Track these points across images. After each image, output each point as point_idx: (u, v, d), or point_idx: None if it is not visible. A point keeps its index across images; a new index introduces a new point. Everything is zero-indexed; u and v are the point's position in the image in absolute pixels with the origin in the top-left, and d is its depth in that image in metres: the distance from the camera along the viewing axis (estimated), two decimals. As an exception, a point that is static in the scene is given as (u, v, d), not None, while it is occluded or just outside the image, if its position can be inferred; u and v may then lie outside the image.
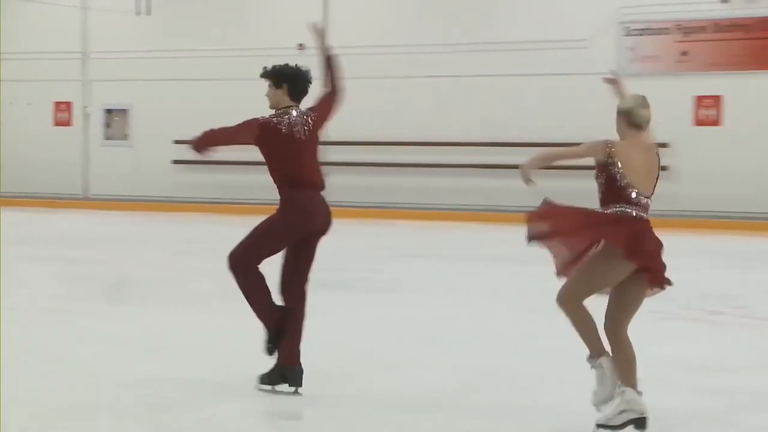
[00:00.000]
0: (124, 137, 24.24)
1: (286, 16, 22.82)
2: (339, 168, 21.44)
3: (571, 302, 6.31)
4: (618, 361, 6.25)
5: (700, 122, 19.65)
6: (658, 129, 23.46)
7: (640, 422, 6.13)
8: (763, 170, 19.26)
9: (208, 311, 10.64)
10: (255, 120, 7.07)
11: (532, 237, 6.40)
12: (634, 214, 6.30)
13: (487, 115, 20.80)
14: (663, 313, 10.50)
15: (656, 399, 7.03)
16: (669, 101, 19.50)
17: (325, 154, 22.02)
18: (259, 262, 7.05)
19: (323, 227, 7.16)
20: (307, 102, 7.25)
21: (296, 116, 7.09)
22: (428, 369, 8.05)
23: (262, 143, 7.05)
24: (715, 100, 19.61)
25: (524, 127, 20.35)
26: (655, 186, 6.47)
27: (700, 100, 19.72)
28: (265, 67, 7.23)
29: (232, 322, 9.90)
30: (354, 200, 21.06)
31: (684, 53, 19.86)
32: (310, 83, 7.16)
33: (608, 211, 6.30)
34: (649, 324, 9.97)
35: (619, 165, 6.30)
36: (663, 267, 6.47)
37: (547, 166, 6.59)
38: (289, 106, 7.10)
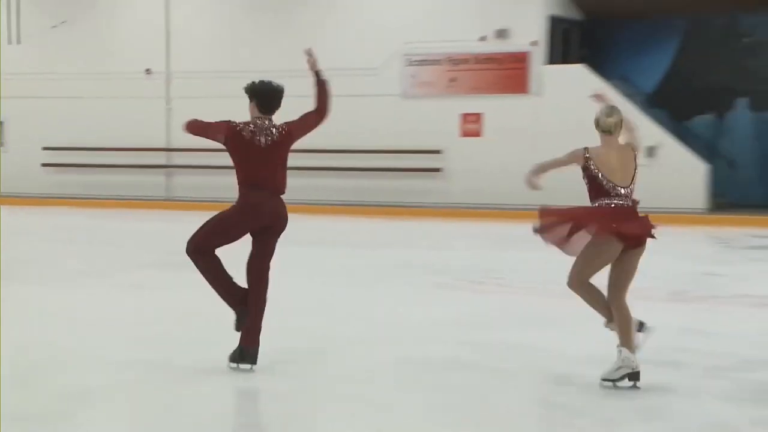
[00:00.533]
0: (0, 144, 23.48)
1: (134, 44, 22.45)
2: (185, 170, 21.37)
3: (578, 284, 6.34)
4: (619, 324, 6.27)
5: (465, 133, 20.03)
6: (432, 140, 23.82)
7: (634, 375, 6.18)
8: (514, 169, 19.80)
9: (84, 286, 10.39)
10: (227, 122, 6.67)
11: (539, 230, 6.39)
12: (613, 205, 6.23)
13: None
14: (438, 283, 10.74)
15: (430, 350, 7.23)
16: (441, 117, 19.97)
17: (171, 158, 22.02)
18: (212, 247, 6.57)
19: (270, 223, 6.59)
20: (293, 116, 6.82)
21: (262, 127, 6.62)
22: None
23: (228, 143, 6.64)
24: (477, 117, 20.01)
25: (332, 137, 20.40)
26: (633, 178, 6.29)
27: (466, 117, 20.10)
28: (248, 83, 6.75)
29: (104, 295, 9.80)
30: (197, 196, 20.94)
31: (453, 80, 20.21)
32: (279, 99, 6.68)
33: (595, 204, 6.26)
34: (427, 292, 10.20)
35: (594, 166, 6.25)
36: (637, 231, 6.24)
37: (544, 171, 6.46)
38: (258, 117, 6.65)
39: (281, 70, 22.66)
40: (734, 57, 20.46)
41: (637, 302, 9.45)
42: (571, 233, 6.34)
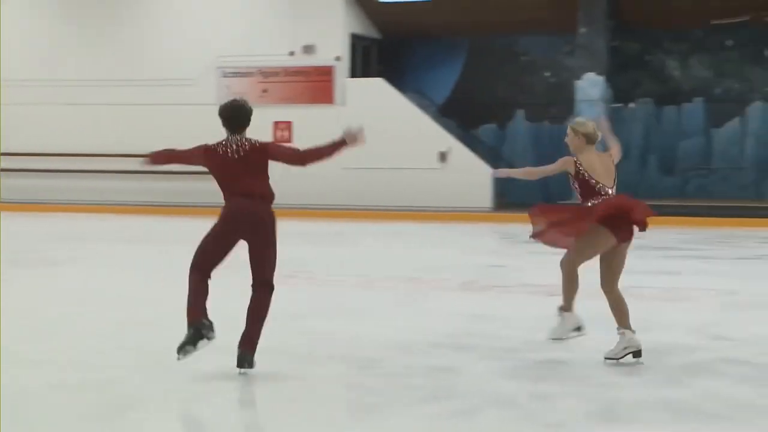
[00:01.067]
0: None
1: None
2: (19, 174, 20.47)
3: (568, 269, 6.56)
4: (616, 311, 6.40)
5: (277, 140, 19.98)
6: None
7: (638, 353, 6.34)
8: (321, 172, 19.86)
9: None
10: (203, 145, 6.58)
11: (534, 235, 6.55)
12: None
13: (128, 133, 20.21)
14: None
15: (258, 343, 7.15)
16: (254, 125, 19.42)
17: (1, 162, 21.05)
18: (205, 263, 6.48)
19: (250, 228, 6.40)
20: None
21: (233, 141, 6.50)
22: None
23: (206, 163, 6.52)
24: (288, 125, 20.07)
25: (156, 142, 19.91)
26: (615, 179, 6.56)
27: (277, 125, 20.12)
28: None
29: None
30: (29, 198, 20.09)
31: (264, 90, 20.20)
32: (239, 116, 6.56)
33: (588, 203, 6.43)
34: (241, 287, 10.10)
35: (584, 170, 6.47)
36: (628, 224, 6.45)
37: (531, 177, 7.05)
38: (229, 135, 6.55)
39: (104, 79, 22.15)
40: (513, 73, 21.25)
41: (432, 292, 9.73)
42: (577, 232, 6.49)
